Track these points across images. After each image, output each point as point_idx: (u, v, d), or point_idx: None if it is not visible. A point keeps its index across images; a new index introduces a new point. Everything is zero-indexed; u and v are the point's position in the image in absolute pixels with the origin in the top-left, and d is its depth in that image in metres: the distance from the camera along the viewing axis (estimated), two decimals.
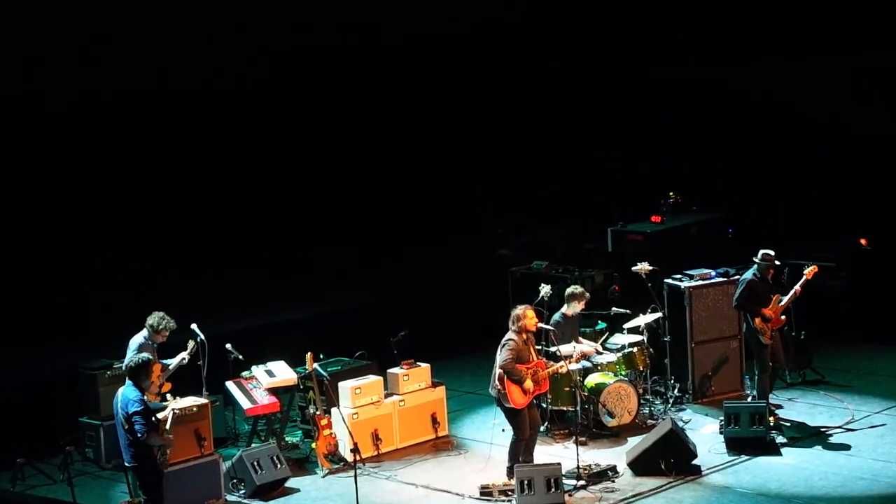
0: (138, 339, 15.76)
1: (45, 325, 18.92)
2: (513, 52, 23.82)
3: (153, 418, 13.77)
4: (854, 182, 22.14)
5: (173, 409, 14.43)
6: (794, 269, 18.49)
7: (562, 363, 15.95)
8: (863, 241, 21.23)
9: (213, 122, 21.13)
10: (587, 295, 17.56)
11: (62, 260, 19.66)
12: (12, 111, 19.12)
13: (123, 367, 15.40)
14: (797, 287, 17.23)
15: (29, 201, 19.56)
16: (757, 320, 17.15)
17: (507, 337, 15.42)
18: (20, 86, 19.19)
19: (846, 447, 16.32)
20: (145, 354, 14.40)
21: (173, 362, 16.04)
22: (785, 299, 17.22)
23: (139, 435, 13.53)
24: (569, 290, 17.53)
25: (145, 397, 13.86)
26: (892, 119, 21.98)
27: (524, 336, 15.44)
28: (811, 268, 17.29)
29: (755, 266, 17.31)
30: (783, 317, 17.36)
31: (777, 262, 17.38)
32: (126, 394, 13.70)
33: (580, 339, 17.61)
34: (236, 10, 20.90)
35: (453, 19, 22.86)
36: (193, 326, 16.32)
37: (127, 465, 14.03)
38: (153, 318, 15.78)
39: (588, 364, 17.30)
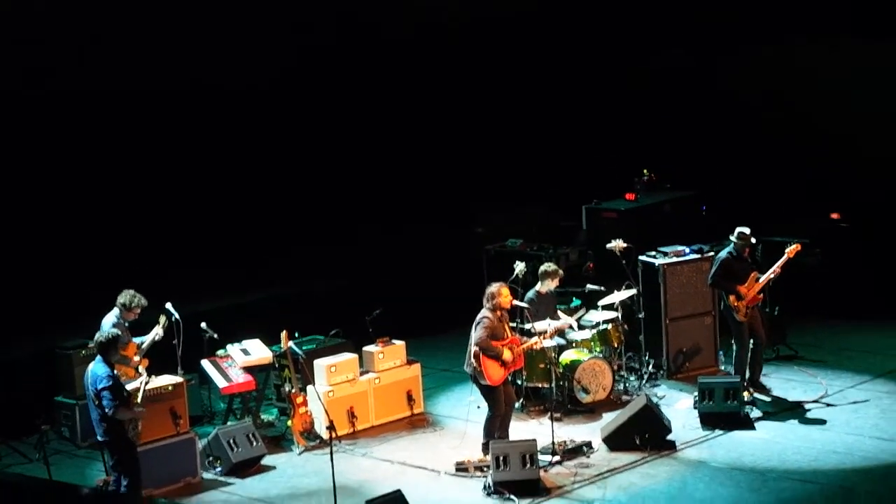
0: (110, 318, 15.74)
1: (25, 305, 18.89)
2: (493, 38, 23.83)
3: (123, 393, 13.79)
4: (828, 159, 22.22)
5: (144, 381, 14.44)
6: (769, 246, 18.57)
7: (535, 339, 15.99)
8: (834, 216, 21.29)
9: (195, 117, 21.12)
10: (560, 272, 17.60)
11: (42, 241, 19.64)
12: (5, 107, 19.13)
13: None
14: (777, 266, 17.21)
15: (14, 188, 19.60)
16: (731, 298, 17.20)
17: (481, 314, 15.45)
18: (13, 83, 19.16)
19: (819, 422, 16.41)
20: (114, 330, 14.46)
21: (147, 339, 16.05)
22: (763, 277, 17.24)
23: (107, 410, 13.56)
24: (542, 268, 17.56)
25: (116, 372, 13.89)
26: (867, 98, 22.06)
27: (498, 313, 15.46)
28: (793, 246, 17.23)
29: (731, 244, 17.35)
30: (760, 294, 17.39)
31: (753, 241, 17.41)
32: (95, 370, 13.74)
33: (558, 314, 17.65)
34: (220, 9, 20.92)
35: (439, 8, 22.94)
36: (168, 305, 16.32)
37: (99, 439, 14.06)
38: (124, 297, 15.76)
39: (562, 341, 17.37)
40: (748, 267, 17.33)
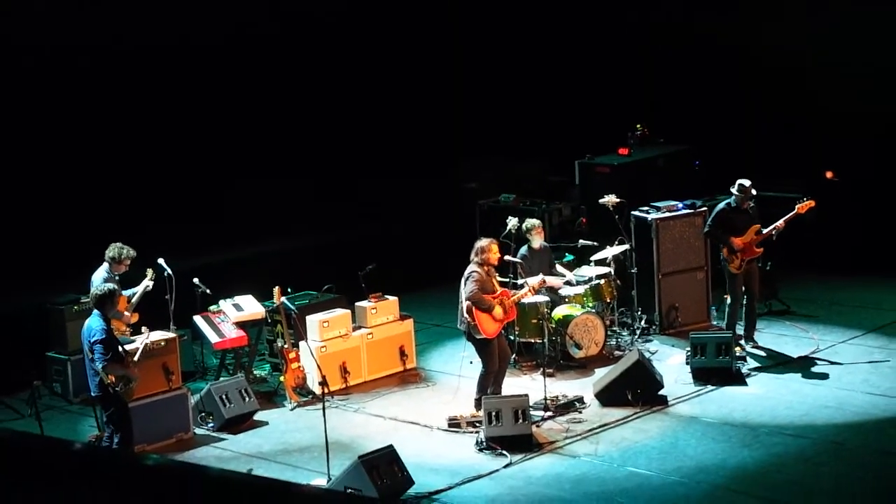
0: (100, 273, 15.73)
1: (17, 260, 18.84)
2: None
3: (119, 349, 13.78)
4: (821, 114, 22.16)
5: (145, 342, 14.42)
6: (763, 200, 18.55)
7: (525, 290, 15.97)
8: (828, 174, 21.27)
9: (175, 69, 21.04)
10: (539, 224, 17.57)
11: (31, 196, 19.57)
12: None
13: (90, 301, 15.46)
14: (782, 220, 17.06)
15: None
16: (724, 250, 17.21)
17: (469, 269, 15.43)
18: None
19: (811, 377, 16.45)
20: (110, 284, 14.41)
21: (137, 292, 16.04)
22: (766, 230, 17.14)
23: (97, 364, 13.54)
24: (523, 226, 17.53)
25: (111, 327, 13.87)
26: (858, 53, 21.98)
27: (486, 268, 15.45)
28: (806, 202, 17.05)
29: (732, 196, 17.30)
30: (760, 248, 17.31)
31: (754, 192, 17.33)
32: (91, 323, 13.72)
33: (556, 269, 17.62)
34: None
35: None
36: (160, 261, 16.32)
37: (92, 395, 14.07)
38: (112, 250, 15.74)
39: (554, 297, 17.35)
40: (749, 220, 17.25)
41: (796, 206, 17.11)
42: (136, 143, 20.47)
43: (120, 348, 13.87)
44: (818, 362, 16.89)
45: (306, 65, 22.40)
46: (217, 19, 21.00)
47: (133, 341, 14.84)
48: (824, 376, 16.40)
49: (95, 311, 13.82)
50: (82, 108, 19.86)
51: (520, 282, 16.63)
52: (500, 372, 15.72)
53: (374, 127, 22.87)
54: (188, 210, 20.41)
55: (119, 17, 19.95)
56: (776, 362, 16.95)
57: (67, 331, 16.69)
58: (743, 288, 17.32)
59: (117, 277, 15.75)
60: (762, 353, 17.22)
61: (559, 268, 17.79)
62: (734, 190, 17.25)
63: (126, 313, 15.80)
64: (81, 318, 16.11)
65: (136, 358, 14.08)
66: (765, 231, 17.14)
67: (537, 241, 17.49)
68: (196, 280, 17.00)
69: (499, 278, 15.99)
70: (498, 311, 15.33)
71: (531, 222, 17.59)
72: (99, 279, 15.58)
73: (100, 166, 20.01)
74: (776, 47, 22.56)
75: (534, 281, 16.46)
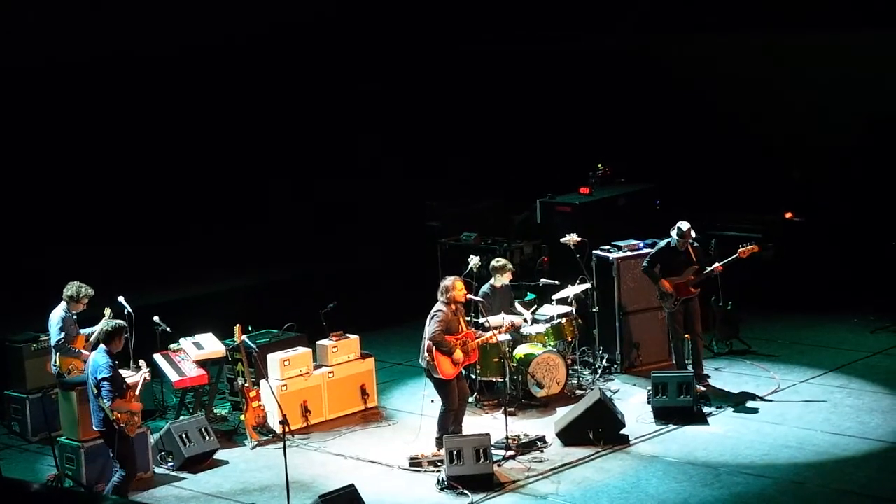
0: (59, 312, 15.56)
1: None
2: (440, 25, 23.85)
3: (123, 385, 13.72)
4: (782, 153, 22.32)
5: (144, 377, 14.35)
6: (723, 240, 18.62)
7: (490, 333, 15.99)
8: (788, 215, 21.39)
9: (136, 91, 21.03)
10: (510, 266, 17.58)
11: None
12: None
13: (52, 342, 15.37)
14: (719, 264, 17.17)
15: None
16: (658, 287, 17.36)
17: (435, 308, 15.44)
18: None
19: (772, 416, 16.45)
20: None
21: (96, 331, 15.92)
22: (704, 273, 17.21)
23: (105, 400, 13.48)
24: (492, 264, 17.54)
25: (115, 363, 13.77)
26: (820, 91, 22.15)
27: (453, 307, 15.45)
28: (748, 247, 17.17)
29: (673, 238, 17.40)
30: (695, 289, 17.33)
31: (693, 235, 17.37)
32: (97, 359, 13.68)
33: (516, 306, 17.62)
34: None
35: None
36: (120, 299, 16.23)
37: (96, 429, 13.95)
38: (70, 289, 15.59)
39: (515, 335, 17.35)
40: (687, 261, 17.29)
41: (738, 250, 17.19)
42: (94, 184, 20.45)
43: (123, 384, 13.82)
44: (779, 402, 16.92)
45: (257, 109, 22.49)
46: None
47: (82, 381, 14.68)
48: (785, 416, 16.42)
49: (102, 347, 13.75)
50: (42, 140, 19.82)
51: (481, 321, 16.61)
52: (460, 411, 15.70)
53: (335, 165, 22.92)
54: (148, 248, 20.38)
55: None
56: (737, 402, 16.96)
57: (26, 369, 16.57)
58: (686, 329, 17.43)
59: (75, 316, 15.63)
60: (710, 393, 17.22)
61: (518, 307, 17.77)
62: (673, 232, 17.32)
63: (83, 352, 15.69)
64: (40, 356, 16.10)
65: (137, 392, 14.01)
66: (704, 273, 17.19)
67: (503, 280, 17.46)
68: (156, 318, 16.92)
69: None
70: (458, 354, 15.32)
71: (500, 261, 17.56)
72: (57, 318, 15.47)
73: (55, 206, 19.97)
74: (737, 88, 22.73)
75: (497, 322, 16.44)
